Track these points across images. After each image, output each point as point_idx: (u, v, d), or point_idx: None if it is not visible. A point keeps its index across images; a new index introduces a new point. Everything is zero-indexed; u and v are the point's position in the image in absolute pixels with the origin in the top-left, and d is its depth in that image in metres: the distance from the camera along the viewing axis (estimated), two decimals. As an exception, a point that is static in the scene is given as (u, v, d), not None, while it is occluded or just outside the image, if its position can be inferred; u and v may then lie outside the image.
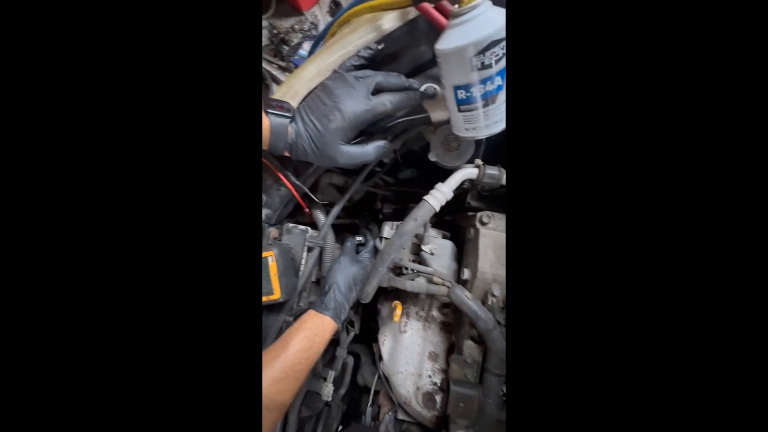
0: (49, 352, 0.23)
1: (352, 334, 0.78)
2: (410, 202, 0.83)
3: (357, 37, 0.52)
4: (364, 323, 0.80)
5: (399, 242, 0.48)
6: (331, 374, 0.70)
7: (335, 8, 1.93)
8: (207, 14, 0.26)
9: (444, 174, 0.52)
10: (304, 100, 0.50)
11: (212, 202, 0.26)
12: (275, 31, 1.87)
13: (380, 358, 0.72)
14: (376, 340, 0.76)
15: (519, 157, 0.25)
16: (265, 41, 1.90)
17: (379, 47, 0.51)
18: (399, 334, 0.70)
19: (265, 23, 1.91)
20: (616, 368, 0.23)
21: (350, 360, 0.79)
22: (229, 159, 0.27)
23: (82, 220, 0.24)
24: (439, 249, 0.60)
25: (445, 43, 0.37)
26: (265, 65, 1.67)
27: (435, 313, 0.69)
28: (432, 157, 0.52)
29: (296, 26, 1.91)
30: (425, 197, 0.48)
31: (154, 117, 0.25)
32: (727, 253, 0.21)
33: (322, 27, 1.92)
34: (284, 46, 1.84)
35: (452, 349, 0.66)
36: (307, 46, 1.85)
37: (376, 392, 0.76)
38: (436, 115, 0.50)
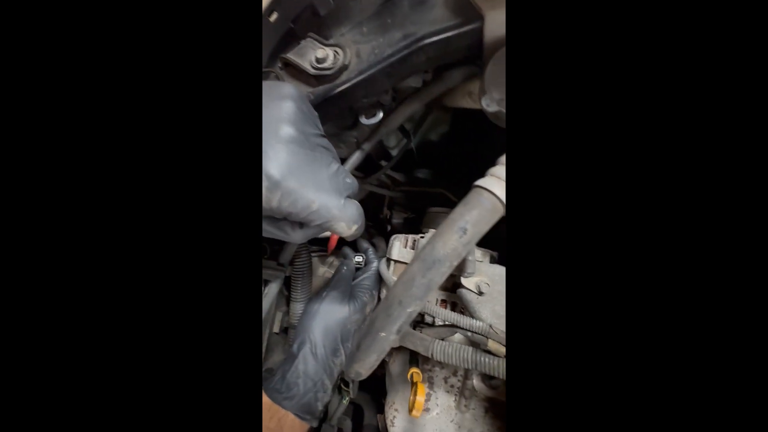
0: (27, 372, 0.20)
1: (346, 399, 0.56)
2: (428, 207, 0.57)
3: None
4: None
5: (425, 279, 0.21)
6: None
7: None
8: (206, 17, 0.24)
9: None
10: None
11: (211, 209, 0.23)
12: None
13: (388, 447, 0.45)
14: (380, 409, 0.51)
15: (521, 157, 0.21)
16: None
17: None
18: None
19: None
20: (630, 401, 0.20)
21: (348, 425, 0.58)
22: (228, 166, 0.24)
23: (75, 229, 0.22)
24: (493, 284, 0.33)
25: None
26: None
27: (476, 382, 0.42)
28: (486, 104, 0.26)
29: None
30: (478, 182, 0.22)
31: (150, 121, 0.23)
32: (733, 272, 0.19)
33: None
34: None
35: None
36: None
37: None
38: (493, 20, 0.24)
